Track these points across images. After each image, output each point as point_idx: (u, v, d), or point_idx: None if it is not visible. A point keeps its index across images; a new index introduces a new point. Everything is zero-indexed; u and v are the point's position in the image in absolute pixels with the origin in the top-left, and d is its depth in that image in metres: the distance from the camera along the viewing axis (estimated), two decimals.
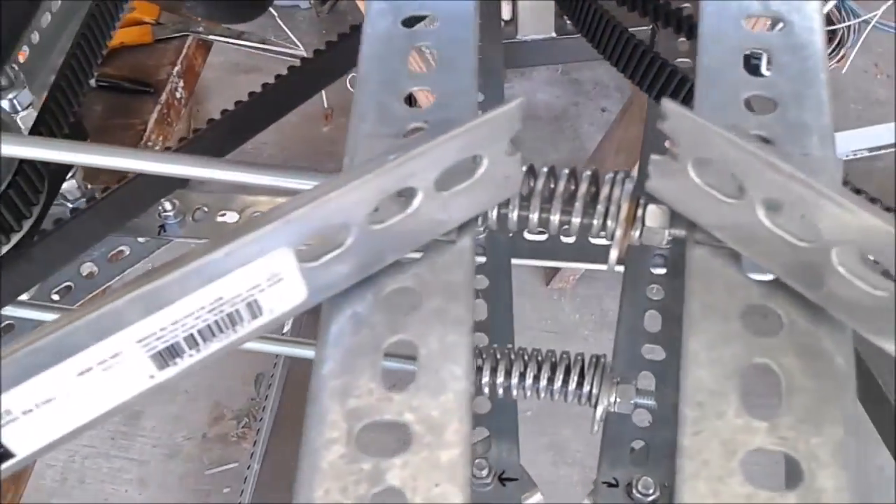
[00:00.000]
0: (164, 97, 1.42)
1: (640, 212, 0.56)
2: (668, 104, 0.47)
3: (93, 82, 1.42)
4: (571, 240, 1.06)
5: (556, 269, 2.22)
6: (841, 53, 2.59)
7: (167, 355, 0.45)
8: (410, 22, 0.64)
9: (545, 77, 2.69)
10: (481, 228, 0.92)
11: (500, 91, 1.04)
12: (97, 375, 0.43)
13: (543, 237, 1.07)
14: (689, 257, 0.52)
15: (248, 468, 2.02)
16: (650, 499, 0.70)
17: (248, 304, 0.46)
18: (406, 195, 0.50)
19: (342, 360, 0.49)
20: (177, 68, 1.47)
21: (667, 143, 0.51)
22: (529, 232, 0.60)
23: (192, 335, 0.45)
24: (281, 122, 2.67)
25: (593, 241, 0.79)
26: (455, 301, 0.51)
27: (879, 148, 2.32)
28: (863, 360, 0.85)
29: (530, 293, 2.26)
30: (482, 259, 0.90)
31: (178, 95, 1.45)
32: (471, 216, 0.54)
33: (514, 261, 0.93)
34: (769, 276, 0.51)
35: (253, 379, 2.18)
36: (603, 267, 0.61)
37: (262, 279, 0.46)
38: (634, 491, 0.70)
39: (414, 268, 0.53)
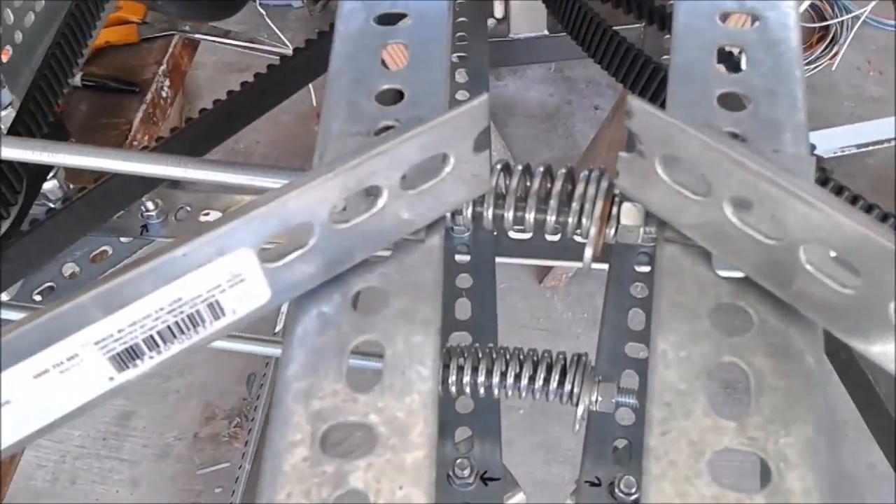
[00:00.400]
0: (149, 96, 1.41)
1: (615, 209, 0.56)
2: (633, 101, 0.46)
3: (78, 81, 1.42)
4: (556, 238, 1.06)
5: (549, 268, 2.21)
6: (833, 50, 2.59)
7: (126, 357, 0.45)
8: (385, 19, 0.64)
9: (538, 75, 2.69)
10: (462, 227, 0.91)
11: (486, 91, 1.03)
12: (54, 378, 0.43)
13: (528, 235, 1.06)
14: (659, 255, 0.52)
15: (240, 468, 2.01)
16: (633, 498, 0.69)
17: (209, 304, 0.46)
18: (374, 194, 0.50)
19: (307, 361, 0.48)
20: (162, 67, 1.46)
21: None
22: (506, 230, 0.59)
23: (151, 336, 0.45)
24: (274, 121, 2.65)
25: (578, 238, 0.78)
26: (423, 301, 0.50)
27: (867, 145, 2.32)
28: (856, 360, 0.85)
29: (523, 291, 2.25)
30: (466, 258, 0.89)
31: (163, 95, 1.45)
32: (439, 215, 0.54)
33: (500, 259, 0.92)
34: (740, 274, 0.50)
35: (245, 379, 2.18)
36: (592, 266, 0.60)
37: (223, 280, 0.45)
38: (617, 490, 0.70)
39: (381, 267, 0.52)
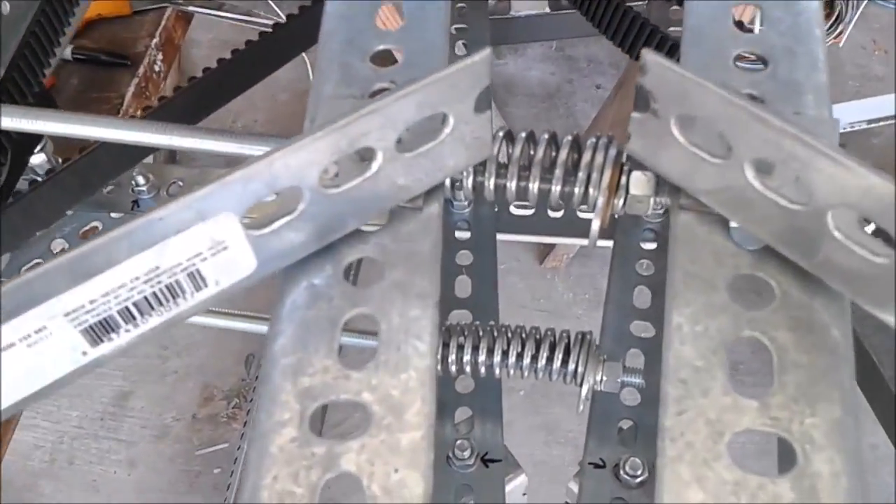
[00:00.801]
0: (141, 70, 1.38)
1: (623, 179, 0.53)
2: (648, 56, 0.43)
3: (68, 55, 1.39)
4: (559, 214, 1.03)
5: (550, 248, 2.19)
6: (839, 29, 2.55)
7: (100, 330, 0.41)
8: None
9: (539, 53, 2.66)
10: (463, 201, 0.89)
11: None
12: (21, 352, 0.39)
13: (530, 211, 1.04)
14: (673, 224, 0.49)
15: (239, 449, 1.99)
16: (638, 480, 0.67)
17: (189, 274, 0.42)
18: (368, 157, 0.46)
19: (296, 335, 0.45)
20: (155, 40, 1.43)
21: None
22: (508, 202, 0.56)
23: (126, 308, 0.41)
24: (272, 100, 2.62)
25: (582, 214, 0.75)
26: (420, 273, 0.47)
27: (878, 120, 2.29)
28: (860, 341, 0.82)
29: (523, 272, 2.23)
30: (466, 234, 0.87)
31: (156, 68, 1.41)
32: (438, 181, 0.51)
33: (500, 236, 0.90)
34: (759, 244, 0.47)
35: (243, 359, 2.16)
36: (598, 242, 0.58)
37: (204, 247, 0.42)
38: (622, 472, 0.67)
39: (376, 237, 0.49)
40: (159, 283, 0.42)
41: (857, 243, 0.41)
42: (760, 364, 0.45)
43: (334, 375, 0.44)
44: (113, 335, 0.42)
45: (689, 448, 0.41)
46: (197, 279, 0.43)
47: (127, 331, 0.42)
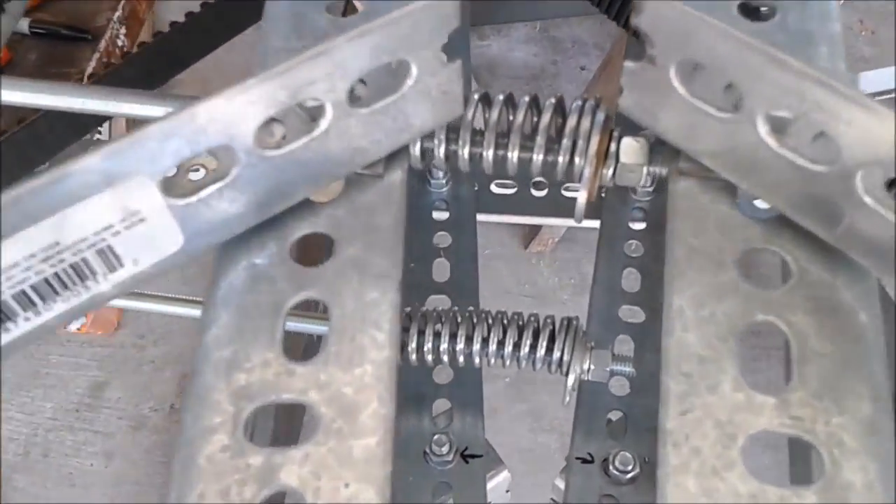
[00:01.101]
0: (103, 45, 1.33)
1: (613, 146, 0.49)
2: None
3: (26, 28, 1.33)
4: (543, 193, 0.98)
5: (535, 232, 2.16)
6: None
7: None
8: None
9: (523, 34, 2.63)
10: (440, 180, 0.84)
11: (466, 43, 0.95)
12: None
13: (512, 190, 0.99)
14: (672, 192, 0.43)
15: None
16: (629, 476, 0.62)
17: (98, 251, 0.36)
18: (317, 116, 0.40)
19: (232, 323, 0.39)
20: (118, 14, 1.37)
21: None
22: (485, 171, 0.51)
23: (23, 292, 0.35)
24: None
25: (567, 193, 0.71)
26: (379, 250, 0.42)
27: (874, 95, 2.26)
28: None
29: (507, 256, 2.20)
30: (445, 214, 0.82)
31: (119, 43, 1.35)
32: (401, 143, 0.45)
33: (481, 217, 0.86)
34: (771, 214, 0.42)
35: None
36: (580, 224, 0.53)
37: (115, 219, 0.35)
38: (611, 467, 0.63)
39: (329, 208, 0.43)
40: (62, 261, 0.35)
41: (890, 209, 0.35)
42: (747, 348, 0.39)
43: (276, 371, 0.37)
44: (10, 324, 0.35)
45: (696, 455, 0.35)
46: (109, 257, 0.36)
47: (27, 319, 0.36)
